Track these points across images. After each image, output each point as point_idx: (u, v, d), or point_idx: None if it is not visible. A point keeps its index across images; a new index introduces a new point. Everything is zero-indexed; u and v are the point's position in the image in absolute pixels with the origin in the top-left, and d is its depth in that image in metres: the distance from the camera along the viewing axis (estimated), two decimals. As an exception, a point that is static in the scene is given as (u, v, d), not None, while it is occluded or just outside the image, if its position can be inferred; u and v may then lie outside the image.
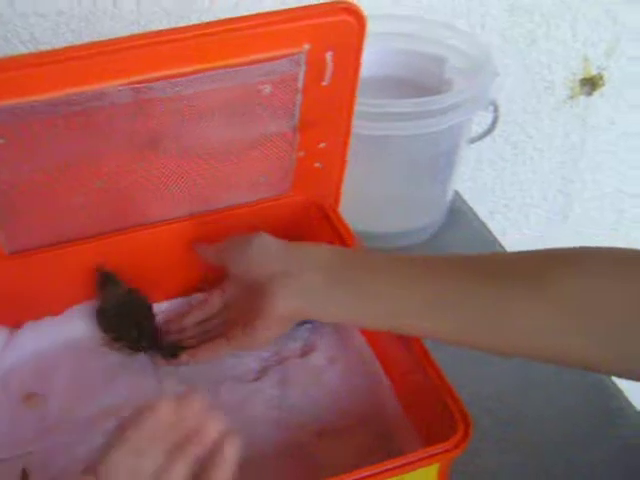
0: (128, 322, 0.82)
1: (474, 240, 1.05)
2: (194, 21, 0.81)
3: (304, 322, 0.82)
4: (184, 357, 0.79)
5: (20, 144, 0.69)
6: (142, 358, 0.82)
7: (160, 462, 0.52)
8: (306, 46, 0.69)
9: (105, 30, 0.97)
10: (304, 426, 0.75)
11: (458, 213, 1.08)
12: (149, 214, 0.82)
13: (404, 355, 0.72)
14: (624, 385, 0.84)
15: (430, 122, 0.87)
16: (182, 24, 0.66)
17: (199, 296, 0.87)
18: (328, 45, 0.70)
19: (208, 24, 0.65)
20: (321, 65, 0.71)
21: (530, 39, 1.18)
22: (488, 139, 1.00)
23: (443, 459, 0.61)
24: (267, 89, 0.73)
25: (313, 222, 0.87)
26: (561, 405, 0.84)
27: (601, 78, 1.27)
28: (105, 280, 0.83)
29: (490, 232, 1.06)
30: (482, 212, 1.09)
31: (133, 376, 0.81)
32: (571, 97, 1.27)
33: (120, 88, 0.66)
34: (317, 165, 0.83)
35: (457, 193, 1.09)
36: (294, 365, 0.81)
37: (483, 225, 1.07)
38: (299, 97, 0.74)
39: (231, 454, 0.53)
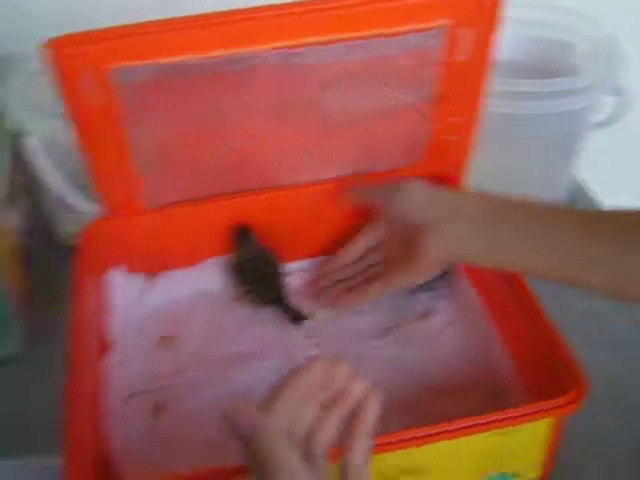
0: (259, 277, 0.88)
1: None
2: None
3: (426, 289, 0.86)
4: (320, 313, 0.85)
5: (170, 102, 0.76)
6: (269, 312, 0.87)
7: (316, 414, 0.57)
8: (444, 21, 0.73)
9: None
10: (421, 385, 0.79)
11: (577, 198, 1.09)
12: (283, 177, 0.87)
13: (520, 317, 0.75)
14: None
15: (554, 103, 0.89)
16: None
17: (324, 259, 0.92)
18: (465, 22, 0.73)
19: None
20: (458, 41, 0.75)
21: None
22: (614, 126, 1.01)
23: (555, 414, 0.64)
24: (405, 61, 0.77)
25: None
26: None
27: None
28: (242, 236, 0.89)
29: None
30: (601, 199, 1.09)
31: (260, 327, 0.86)
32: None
33: (271, 51, 0.71)
34: (447, 138, 0.86)
35: (577, 178, 1.10)
36: (414, 327, 0.85)
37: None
38: (435, 71, 0.78)
39: (374, 410, 0.57)
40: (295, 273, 0.93)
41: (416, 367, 0.81)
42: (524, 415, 0.63)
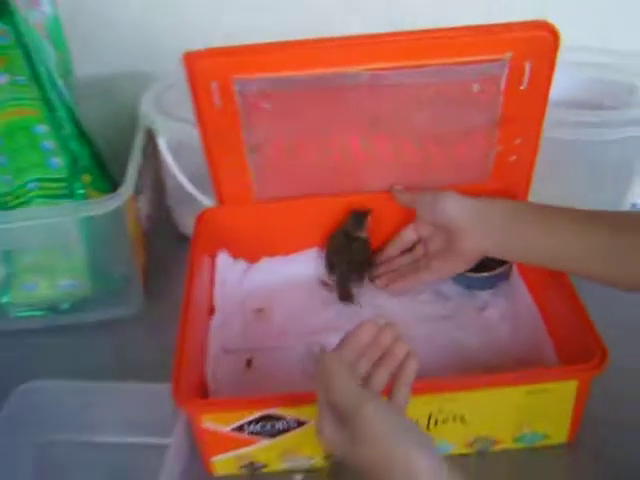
0: (351, 259, 1.03)
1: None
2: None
3: (485, 287, 1.00)
4: (393, 287, 1.01)
5: (280, 110, 0.92)
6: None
7: (368, 368, 0.72)
8: (509, 54, 0.87)
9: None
10: (473, 363, 0.91)
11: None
12: (371, 183, 1.02)
13: (564, 313, 0.87)
14: None
15: (611, 131, 1.02)
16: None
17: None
18: (527, 55, 0.87)
19: (435, 30, 0.86)
20: (520, 71, 0.89)
21: None
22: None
23: (580, 377, 0.77)
24: (476, 87, 0.91)
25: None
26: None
27: None
28: (359, 218, 1.03)
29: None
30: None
31: (335, 307, 1.01)
32: None
33: (360, 72, 0.88)
34: (512, 158, 0.99)
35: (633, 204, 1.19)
36: (472, 317, 0.98)
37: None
38: (501, 97, 0.92)
39: (413, 369, 0.71)
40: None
41: (470, 349, 0.94)
42: (554, 373, 0.78)
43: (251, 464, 0.82)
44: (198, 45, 0.86)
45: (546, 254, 0.85)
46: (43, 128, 0.96)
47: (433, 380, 0.77)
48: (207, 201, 1.06)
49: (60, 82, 1.00)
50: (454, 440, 0.82)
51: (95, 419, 0.87)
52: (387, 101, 0.92)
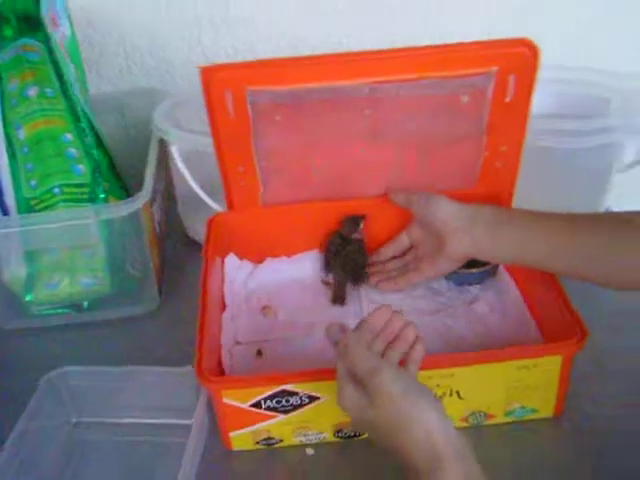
0: (347, 261, 1.11)
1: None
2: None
3: (474, 282, 1.09)
4: (382, 286, 1.08)
5: (288, 119, 1.01)
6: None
7: (382, 348, 0.81)
8: (495, 68, 0.96)
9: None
10: (466, 349, 1.00)
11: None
12: (369, 188, 1.11)
13: (549, 301, 0.95)
14: None
15: (583, 140, 1.11)
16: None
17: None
18: (511, 69, 0.97)
19: (427, 46, 0.95)
20: (505, 84, 0.98)
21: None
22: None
23: (563, 352, 0.86)
24: (465, 99, 1.00)
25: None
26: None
27: None
28: (354, 221, 1.11)
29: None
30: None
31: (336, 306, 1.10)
32: None
33: (361, 85, 0.97)
34: (498, 165, 1.08)
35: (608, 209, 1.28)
36: (463, 309, 1.07)
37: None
38: (488, 107, 1.01)
39: (421, 350, 0.80)
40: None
41: (463, 338, 1.02)
42: (541, 349, 0.88)
43: (266, 440, 0.90)
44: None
45: (533, 257, 0.91)
46: (69, 137, 1.04)
47: (434, 356, 0.85)
48: (216, 206, 1.14)
49: (81, 96, 1.08)
50: (451, 415, 0.89)
51: (121, 402, 0.94)
52: (385, 111, 1.01)
